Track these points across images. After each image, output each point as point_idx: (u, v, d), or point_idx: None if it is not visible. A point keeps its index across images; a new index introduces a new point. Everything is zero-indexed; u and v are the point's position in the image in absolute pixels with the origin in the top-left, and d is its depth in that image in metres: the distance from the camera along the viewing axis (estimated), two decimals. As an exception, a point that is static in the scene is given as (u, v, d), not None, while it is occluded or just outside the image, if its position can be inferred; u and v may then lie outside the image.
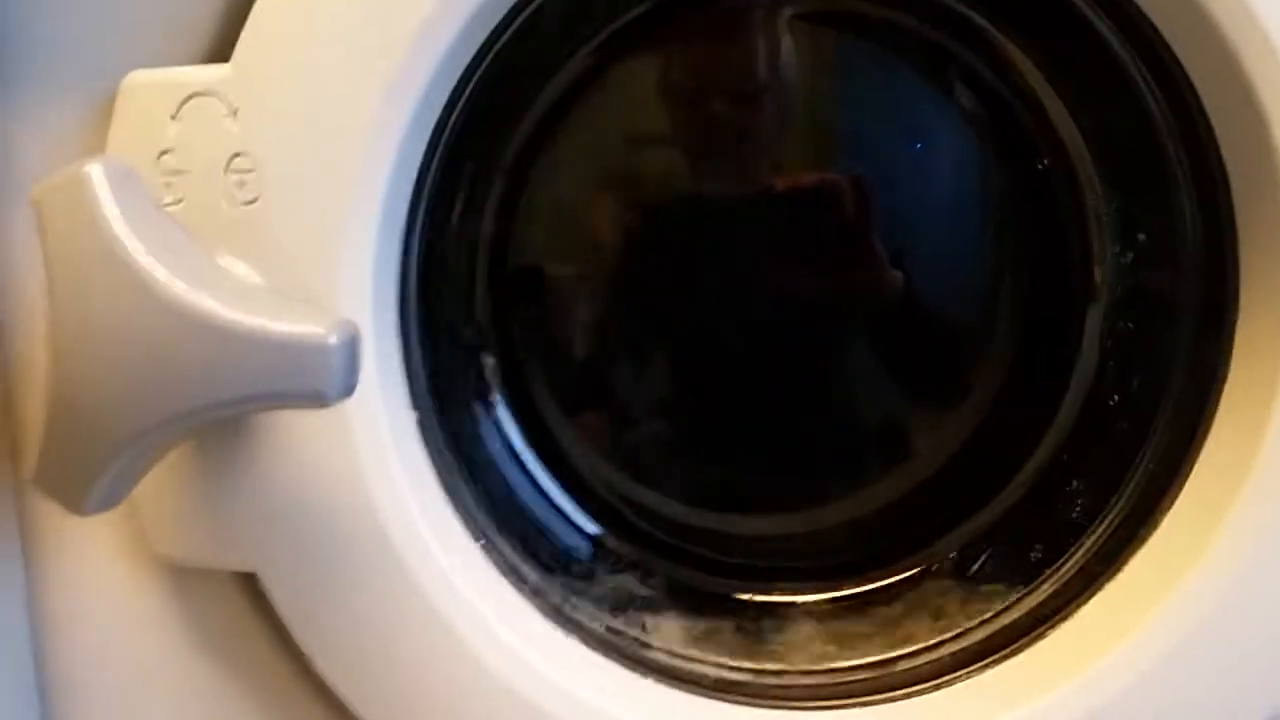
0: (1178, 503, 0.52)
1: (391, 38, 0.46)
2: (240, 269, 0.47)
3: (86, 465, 0.42)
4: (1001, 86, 0.61)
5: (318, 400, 0.42)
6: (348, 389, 0.42)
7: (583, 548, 0.63)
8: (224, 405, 0.42)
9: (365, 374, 0.46)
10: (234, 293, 0.42)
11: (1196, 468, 0.52)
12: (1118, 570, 0.53)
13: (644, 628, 0.58)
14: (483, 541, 0.53)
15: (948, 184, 0.65)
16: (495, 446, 0.63)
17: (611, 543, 0.64)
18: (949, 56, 0.62)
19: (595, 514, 0.64)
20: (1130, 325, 0.59)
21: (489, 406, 0.63)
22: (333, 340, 0.41)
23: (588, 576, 0.60)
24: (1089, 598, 0.53)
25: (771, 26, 0.63)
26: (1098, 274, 0.60)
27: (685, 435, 0.67)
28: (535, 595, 0.54)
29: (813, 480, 0.66)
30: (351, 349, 0.42)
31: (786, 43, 0.63)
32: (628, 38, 0.61)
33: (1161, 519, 0.53)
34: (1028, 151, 0.62)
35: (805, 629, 0.60)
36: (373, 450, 0.48)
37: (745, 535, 0.66)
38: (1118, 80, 0.54)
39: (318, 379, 0.42)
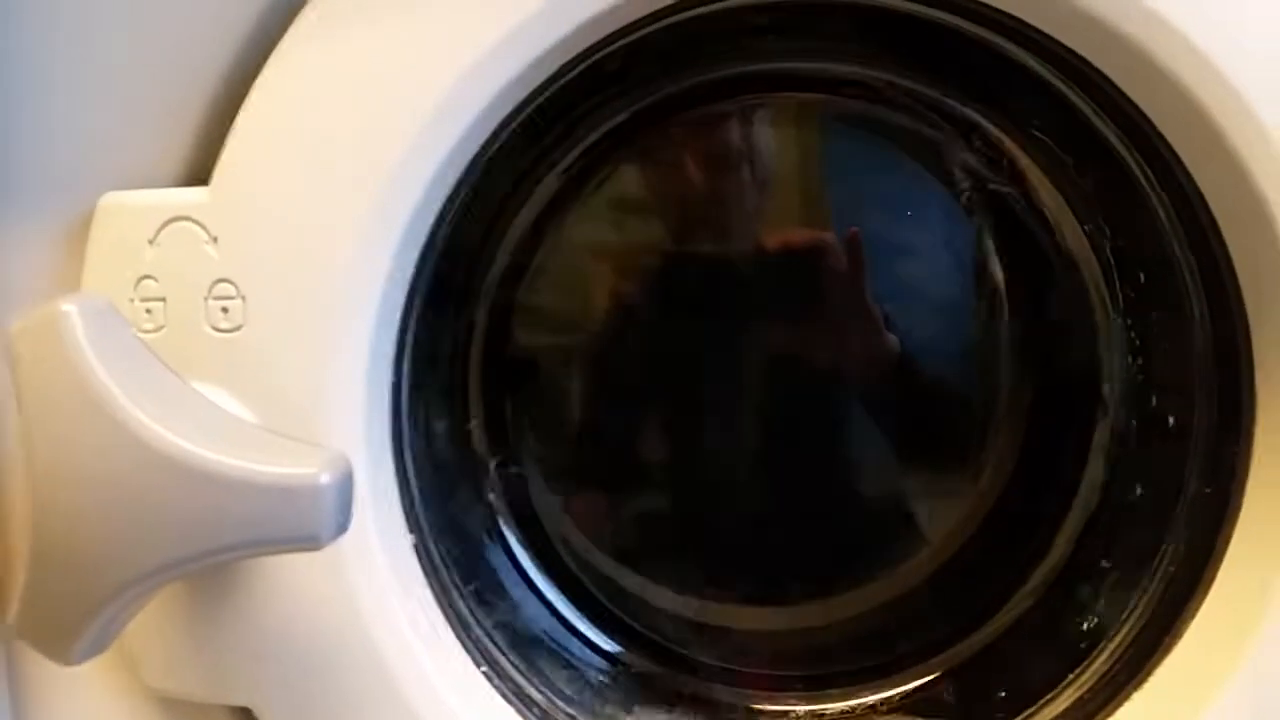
0: (1204, 607, 0.50)
1: (376, 160, 0.45)
2: (223, 398, 0.45)
3: (71, 617, 0.40)
4: (1013, 193, 0.60)
5: (313, 544, 0.40)
6: (342, 528, 0.41)
7: (596, 664, 0.61)
8: (213, 553, 0.40)
9: (360, 504, 0.45)
10: (219, 433, 0.40)
11: (1221, 571, 0.50)
12: (1144, 680, 0.51)
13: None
14: (485, 668, 0.51)
15: (955, 283, 0.64)
16: (499, 564, 0.60)
17: (625, 656, 0.61)
18: (955, 158, 0.61)
19: (606, 629, 0.62)
20: (1140, 434, 0.58)
21: (491, 522, 0.61)
22: (324, 480, 0.40)
23: (600, 694, 0.57)
24: (1114, 710, 0.51)
25: (763, 125, 0.62)
26: (1105, 387, 0.59)
27: (693, 528, 0.65)
28: (542, 720, 0.52)
29: (822, 571, 0.64)
30: (344, 487, 0.40)
31: (789, 140, 0.63)
32: (615, 141, 0.60)
33: (1187, 625, 0.51)
34: (1037, 260, 0.61)
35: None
36: (368, 580, 0.46)
37: (759, 634, 0.64)
38: (1127, 190, 0.54)
39: (311, 522, 0.40)
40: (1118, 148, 0.53)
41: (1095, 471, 0.60)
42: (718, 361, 0.62)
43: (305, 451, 0.41)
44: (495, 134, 0.49)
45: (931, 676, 0.60)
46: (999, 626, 0.60)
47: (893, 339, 0.63)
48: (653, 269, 0.63)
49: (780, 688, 0.61)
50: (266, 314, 0.45)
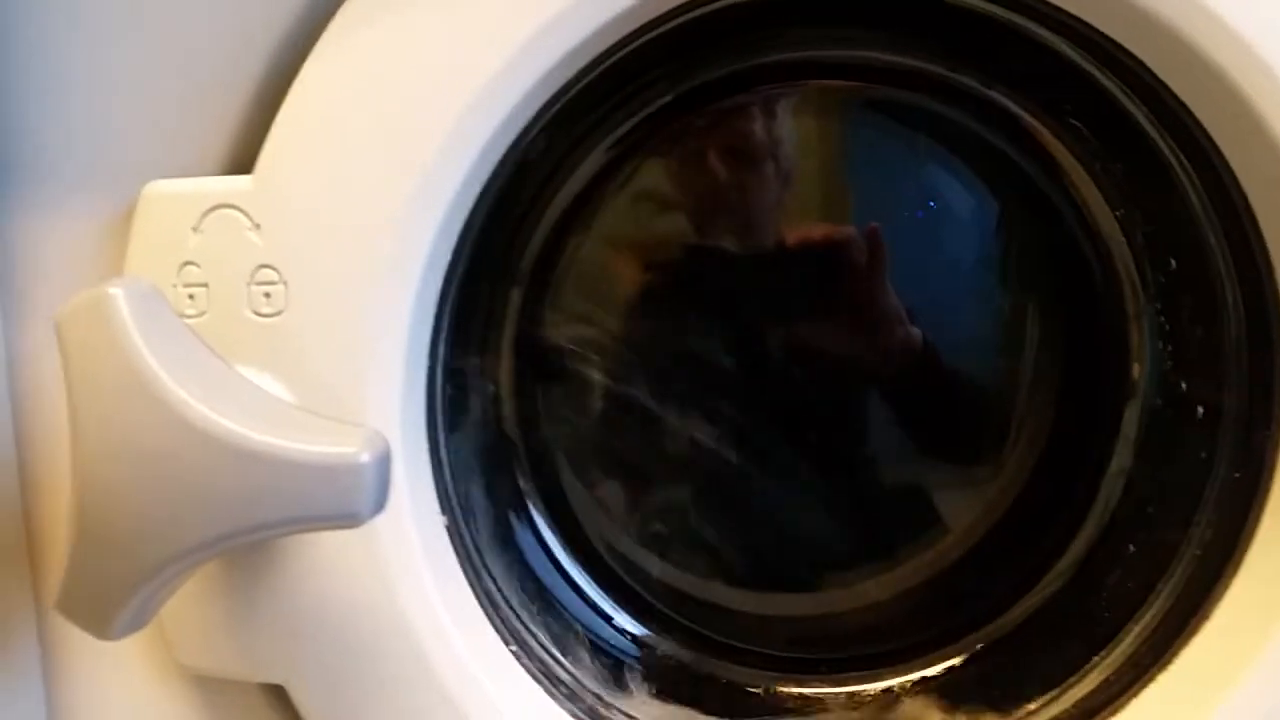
0: (1228, 594, 0.51)
1: (416, 150, 0.45)
2: (265, 381, 0.46)
3: (113, 593, 0.42)
4: (1043, 179, 0.61)
5: (352, 521, 0.41)
6: (380, 506, 0.42)
7: (622, 646, 0.62)
8: (254, 530, 0.41)
9: (396, 484, 0.46)
10: (261, 414, 0.41)
11: (1248, 557, 0.51)
12: (1169, 662, 0.52)
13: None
14: (514, 647, 0.52)
15: (984, 269, 0.64)
16: (529, 547, 0.61)
17: (651, 639, 0.62)
18: (984, 143, 0.61)
19: (633, 611, 0.63)
20: (1170, 417, 0.58)
21: (522, 507, 0.62)
22: (365, 459, 0.41)
23: (626, 675, 0.58)
24: (1139, 691, 0.52)
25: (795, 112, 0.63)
26: (1135, 370, 0.59)
27: (719, 516, 0.65)
28: (570, 699, 0.53)
29: (847, 558, 0.65)
30: (383, 466, 0.41)
31: (821, 130, 0.63)
32: (649, 131, 0.60)
33: (1213, 609, 0.51)
34: (1068, 241, 0.61)
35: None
36: (402, 560, 0.47)
37: (783, 619, 0.65)
38: (1160, 175, 0.54)
39: (351, 500, 0.41)
40: (1150, 132, 0.53)
41: (1123, 457, 0.60)
42: (741, 352, 0.63)
43: (345, 431, 0.42)
44: (530, 124, 0.50)
45: (957, 660, 0.61)
46: (1025, 610, 0.61)
47: (915, 331, 0.63)
48: (679, 260, 0.64)
49: (805, 670, 0.62)
50: (307, 299, 0.46)
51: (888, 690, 0.61)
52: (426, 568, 0.48)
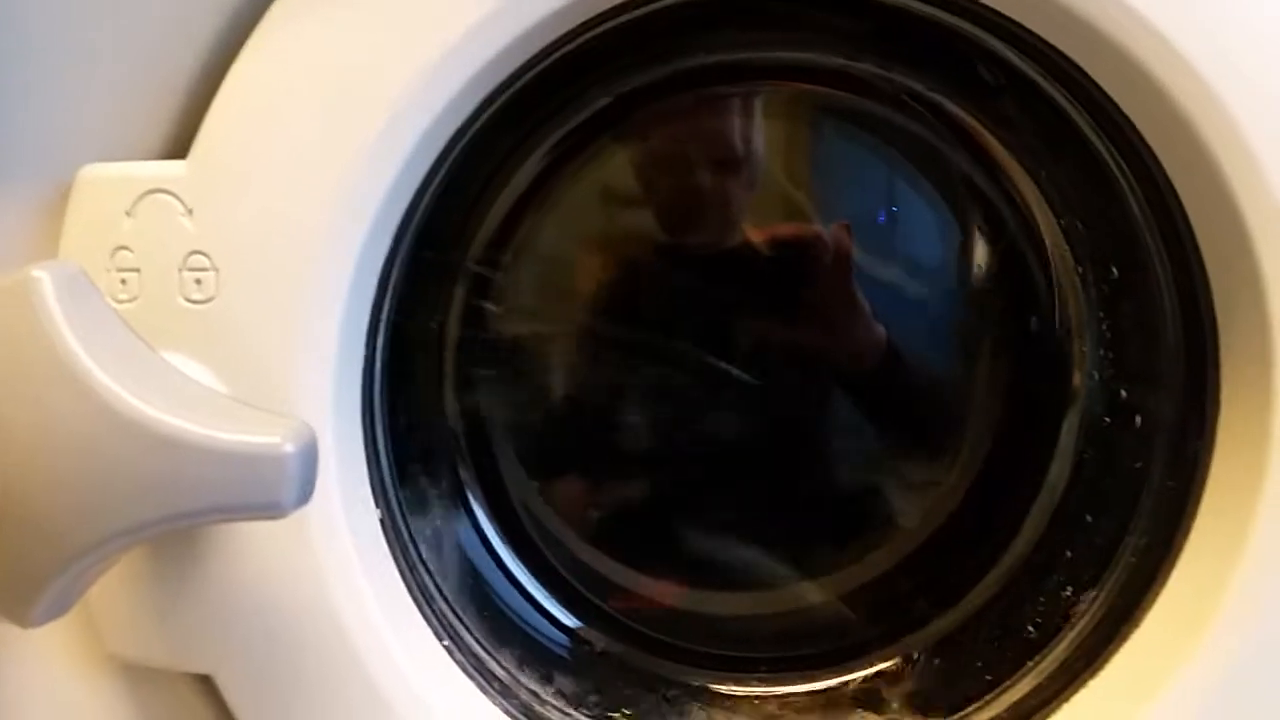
0: (1159, 601, 0.51)
1: (351, 139, 0.45)
2: (196, 369, 0.46)
3: (33, 579, 0.41)
4: (987, 184, 0.61)
5: (275, 512, 0.41)
6: (304, 497, 0.41)
7: (560, 640, 0.61)
8: (176, 519, 0.40)
9: (325, 475, 0.46)
10: (186, 401, 0.41)
11: (1179, 565, 0.51)
12: (1099, 669, 0.52)
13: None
14: (446, 642, 0.52)
15: (932, 274, 0.64)
16: (467, 540, 0.61)
17: (589, 634, 0.62)
18: (934, 150, 0.62)
19: (571, 606, 0.62)
20: (1108, 424, 0.58)
21: (461, 498, 0.62)
22: (288, 449, 0.40)
23: (562, 671, 0.58)
24: (1070, 696, 0.52)
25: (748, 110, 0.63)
26: (1076, 378, 0.59)
27: (667, 513, 0.65)
28: (504, 695, 0.53)
29: (792, 556, 0.65)
30: (308, 456, 0.41)
31: (772, 130, 0.63)
32: (599, 125, 0.60)
33: (1143, 617, 0.51)
34: (1011, 248, 0.61)
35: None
36: (332, 552, 0.47)
37: (724, 618, 0.65)
38: (1102, 184, 0.54)
39: (274, 491, 0.40)
40: (1094, 141, 0.54)
41: (1063, 463, 0.60)
42: (693, 347, 0.63)
43: (270, 420, 0.41)
44: (476, 114, 0.50)
45: (895, 661, 0.61)
46: (962, 615, 0.61)
47: (880, 330, 0.63)
48: (630, 255, 0.64)
49: (744, 670, 0.61)
50: (239, 286, 0.46)
51: (823, 692, 0.60)
52: (357, 560, 0.47)
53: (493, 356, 0.63)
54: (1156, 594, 0.51)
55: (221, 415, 0.41)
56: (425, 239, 0.53)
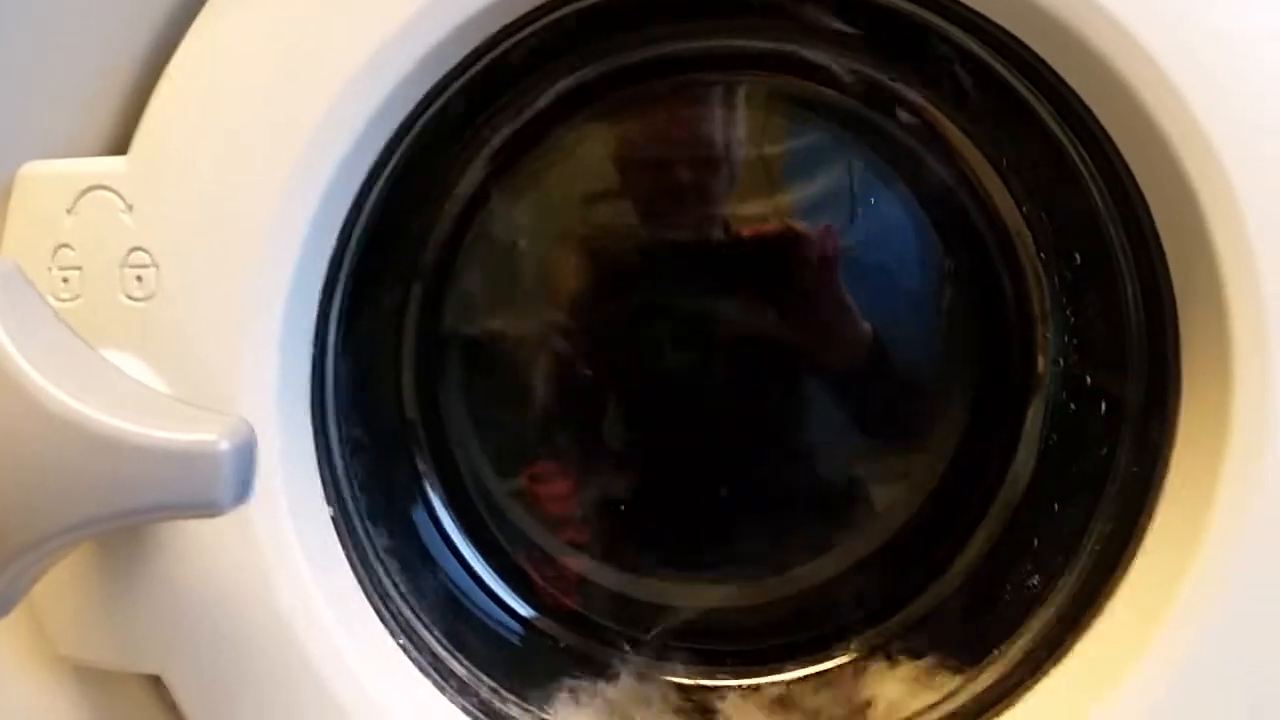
0: (1122, 588, 0.50)
1: (291, 132, 0.45)
2: (138, 368, 0.45)
3: (-31, 580, 0.40)
4: (946, 173, 0.60)
5: (211, 510, 0.40)
6: (242, 495, 0.41)
7: (516, 632, 0.61)
8: (113, 518, 0.40)
9: (270, 473, 0.45)
10: (121, 400, 0.41)
11: (1141, 552, 0.50)
12: (1062, 657, 0.51)
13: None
14: (402, 640, 0.51)
15: (899, 265, 0.64)
16: (428, 536, 0.60)
17: (552, 627, 0.61)
18: (895, 138, 0.61)
19: (528, 597, 0.62)
20: (1073, 411, 0.57)
21: (419, 489, 0.61)
22: (223, 447, 0.40)
23: (520, 667, 0.57)
24: (1033, 685, 0.51)
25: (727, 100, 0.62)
26: (1040, 365, 0.59)
27: (635, 505, 0.65)
28: (462, 693, 0.52)
29: (760, 550, 0.64)
30: (245, 454, 0.40)
31: (731, 120, 0.63)
32: (556, 117, 0.60)
33: (1105, 605, 0.51)
34: (974, 237, 0.61)
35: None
36: (278, 551, 0.46)
37: (686, 610, 0.64)
38: (1063, 172, 0.54)
39: (210, 488, 0.40)
40: (1054, 130, 0.53)
41: (1029, 450, 0.60)
42: (650, 338, 0.62)
43: (206, 418, 0.41)
44: (425, 103, 0.49)
45: (861, 653, 0.60)
46: (927, 606, 0.60)
47: (866, 328, 0.63)
48: (596, 249, 0.63)
49: (711, 663, 0.61)
50: (180, 283, 0.45)
51: (789, 684, 0.60)
52: (304, 559, 0.47)
53: (455, 351, 0.62)
54: (1119, 581, 0.51)
55: (158, 413, 0.41)
56: (379, 233, 0.53)
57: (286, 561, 0.46)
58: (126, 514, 0.40)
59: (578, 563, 0.64)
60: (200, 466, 0.39)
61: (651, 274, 0.63)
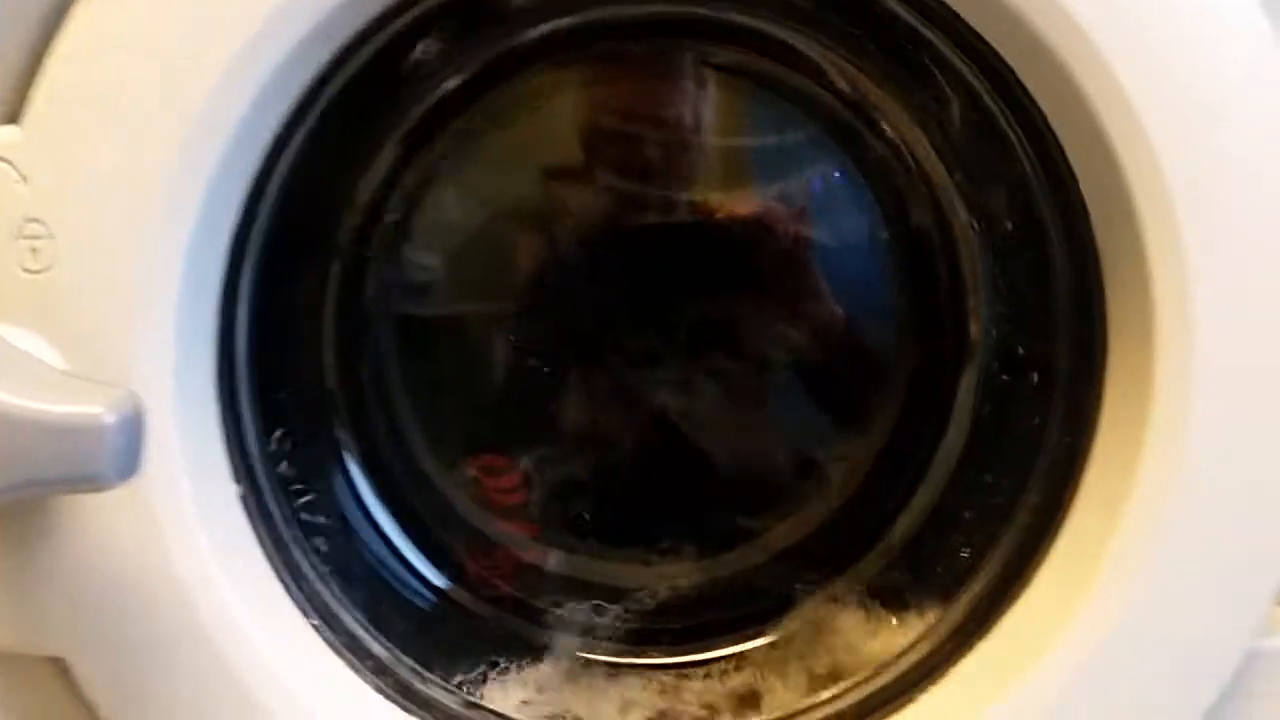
0: (1049, 559, 0.50)
1: (186, 97, 0.43)
2: (33, 341, 0.44)
3: None
4: (878, 143, 0.60)
5: (96, 484, 0.39)
6: (128, 470, 0.40)
7: (439, 609, 0.60)
8: (-7, 492, 0.39)
9: (168, 450, 0.44)
10: (3, 372, 0.39)
11: (1068, 522, 0.49)
12: (989, 630, 0.50)
13: (506, 700, 0.54)
14: (316, 620, 0.50)
15: (834, 236, 0.63)
16: (348, 510, 0.59)
17: (469, 602, 0.60)
18: (829, 107, 0.60)
19: (452, 574, 0.61)
20: (1006, 382, 0.57)
21: (342, 469, 0.60)
22: (108, 420, 0.39)
23: (445, 647, 0.56)
24: (959, 658, 0.50)
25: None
26: (973, 334, 0.58)
27: (570, 482, 0.64)
28: (379, 674, 0.51)
29: (689, 530, 0.64)
30: (130, 427, 0.39)
31: (670, 90, 0.62)
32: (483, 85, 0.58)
33: (1033, 576, 0.50)
34: (907, 208, 0.60)
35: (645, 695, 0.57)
36: (180, 532, 0.45)
37: (618, 588, 0.63)
38: (994, 140, 0.53)
39: (94, 462, 0.39)
40: (981, 94, 0.52)
41: (962, 422, 0.59)
42: (576, 308, 0.61)
43: (91, 391, 0.40)
44: (335, 65, 0.48)
45: (794, 629, 0.59)
46: (859, 580, 0.59)
47: (838, 310, 0.62)
48: (529, 222, 0.62)
49: (641, 641, 0.60)
50: (75, 254, 0.44)
51: (714, 661, 0.59)
52: (206, 538, 0.46)
53: (383, 323, 0.61)
54: (1046, 552, 0.50)
55: (42, 386, 0.40)
56: (291, 204, 0.52)
57: (188, 541, 0.45)
58: (10, 488, 0.39)
59: (507, 538, 0.62)
60: (83, 440, 0.38)
61: (587, 253, 0.62)
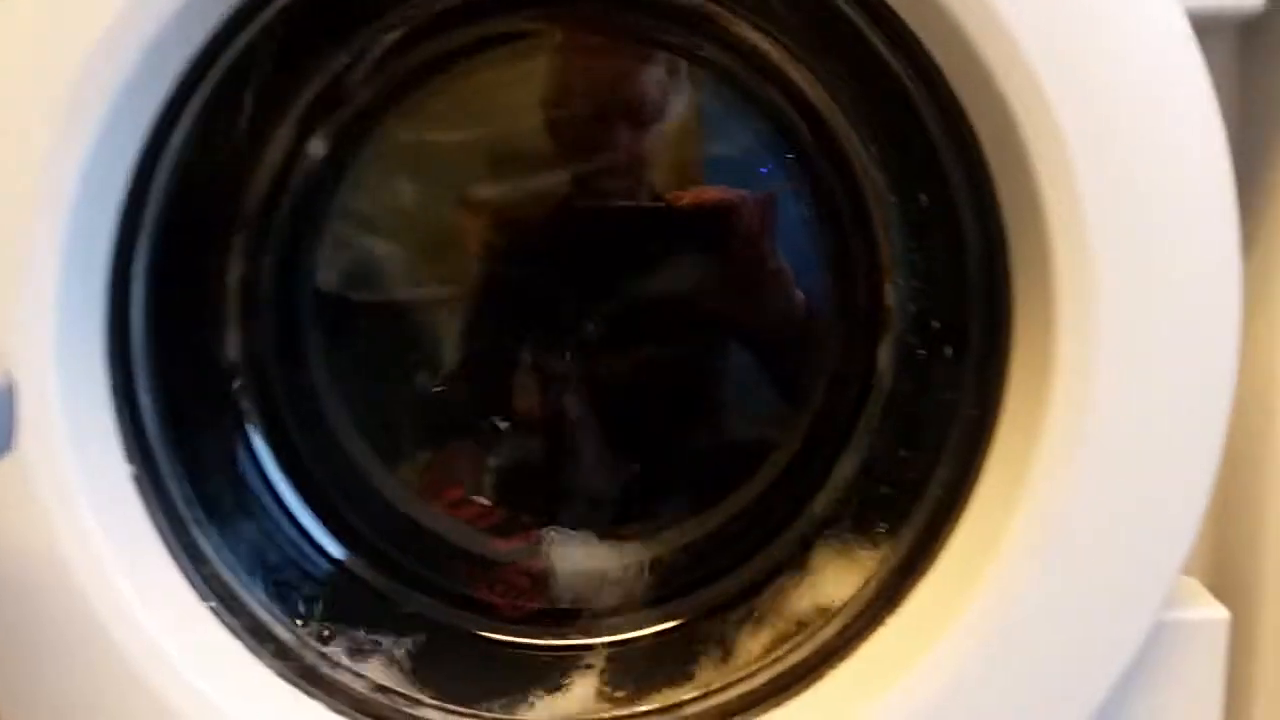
0: (956, 534, 0.49)
1: (56, 75, 0.42)
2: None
3: None
4: (794, 116, 0.59)
5: (-38, 463, 0.38)
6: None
7: (326, 570, 0.59)
8: None
9: (49, 428, 0.43)
10: None
11: (975, 496, 0.49)
12: (897, 606, 0.50)
13: (412, 684, 0.53)
14: (213, 603, 0.49)
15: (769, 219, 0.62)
16: (253, 486, 0.58)
17: (360, 570, 0.59)
18: (737, 78, 0.59)
19: (355, 547, 0.60)
20: (922, 357, 0.56)
21: (239, 432, 0.58)
22: (-30, 397, 0.37)
23: (341, 624, 0.55)
24: (868, 635, 0.50)
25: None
26: (892, 310, 0.57)
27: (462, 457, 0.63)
28: (281, 658, 0.50)
29: (595, 510, 0.63)
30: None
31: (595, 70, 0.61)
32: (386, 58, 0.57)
33: (941, 552, 0.50)
34: (825, 182, 0.59)
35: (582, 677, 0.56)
36: (65, 510, 0.44)
37: (514, 566, 0.62)
38: (903, 107, 0.52)
39: (-42, 439, 0.37)
40: (891, 63, 0.51)
41: (879, 397, 0.58)
42: (489, 288, 0.60)
43: (-43, 367, 0.38)
44: (235, 25, 0.46)
45: (702, 612, 0.59)
46: (771, 561, 0.59)
47: (800, 296, 0.61)
48: (420, 195, 0.61)
49: (530, 622, 0.59)
50: (-48, 230, 0.43)
51: (621, 643, 0.58)
52: (94, 519, 0.45)
53: (294, 298, 0.59)
54: (955, 527, 0.50)
55: (-94, 363, 0.38)
56: (189, 179, 0.50)
57: (74, 522, 0.44)
58: None
59: (418, 511, 0.61)
60: (-54, 417, 0.37)
61: (503, 235, 0.61)
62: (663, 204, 0.61)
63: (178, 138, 0.48)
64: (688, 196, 0.61)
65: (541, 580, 0.62)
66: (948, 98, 0.49)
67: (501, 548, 0.62)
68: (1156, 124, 0.44)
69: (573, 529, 0.62)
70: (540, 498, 0.63)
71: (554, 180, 0.61)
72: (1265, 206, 0.55)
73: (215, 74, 0.48)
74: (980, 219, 0.50)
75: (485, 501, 0.63)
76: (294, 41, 0.52)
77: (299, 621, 0.53)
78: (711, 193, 0.61)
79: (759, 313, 0.62)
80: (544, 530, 0.62)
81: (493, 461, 0.63)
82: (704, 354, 0.64)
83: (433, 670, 0.54)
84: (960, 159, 0.50)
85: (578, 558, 0.62)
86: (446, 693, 0.54)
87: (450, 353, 0.62)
